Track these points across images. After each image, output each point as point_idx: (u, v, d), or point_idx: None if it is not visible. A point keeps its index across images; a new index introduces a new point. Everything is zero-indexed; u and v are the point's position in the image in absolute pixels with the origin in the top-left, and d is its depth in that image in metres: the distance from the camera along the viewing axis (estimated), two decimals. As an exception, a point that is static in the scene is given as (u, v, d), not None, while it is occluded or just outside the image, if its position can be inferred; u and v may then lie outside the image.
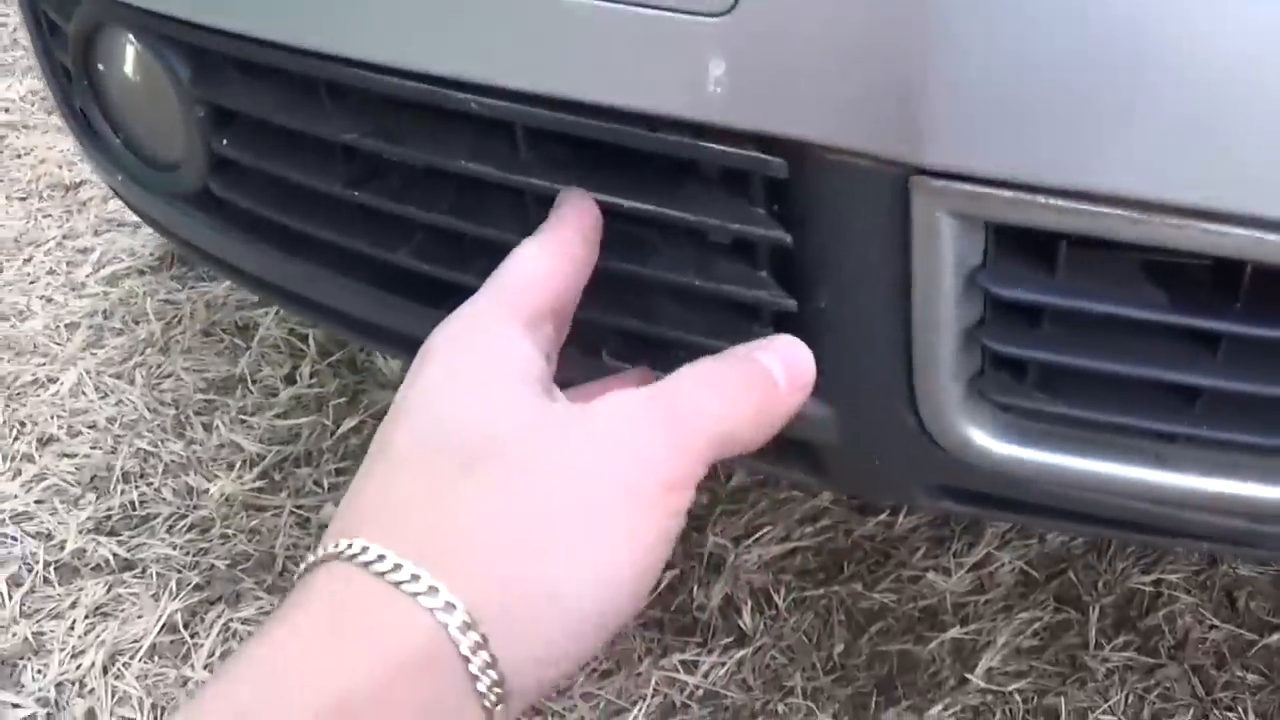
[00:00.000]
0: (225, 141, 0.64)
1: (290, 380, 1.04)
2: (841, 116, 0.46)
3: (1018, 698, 0.87)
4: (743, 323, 0.54)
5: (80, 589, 0.91)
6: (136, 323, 1.10)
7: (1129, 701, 0.89)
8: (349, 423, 1.00)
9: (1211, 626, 0.96)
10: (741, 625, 0.88)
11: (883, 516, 0.98)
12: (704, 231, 0.52)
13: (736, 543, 0.93)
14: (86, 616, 0.89)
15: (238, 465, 0.98)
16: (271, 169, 0.62)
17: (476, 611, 0.35)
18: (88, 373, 1.05)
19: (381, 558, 0.36)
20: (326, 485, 0.97)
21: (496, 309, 0.44)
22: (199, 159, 0.66)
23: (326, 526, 0.94)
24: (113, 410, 1.03)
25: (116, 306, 1.12)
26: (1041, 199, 0.46)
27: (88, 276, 1.15)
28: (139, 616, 0.89)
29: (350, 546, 0.37)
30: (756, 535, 0.94)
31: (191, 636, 0.88)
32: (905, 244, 0.48)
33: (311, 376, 1.04)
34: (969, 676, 0.87)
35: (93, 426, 1.02)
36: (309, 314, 0.71)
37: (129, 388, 1.04)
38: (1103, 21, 0.42)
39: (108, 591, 0.91)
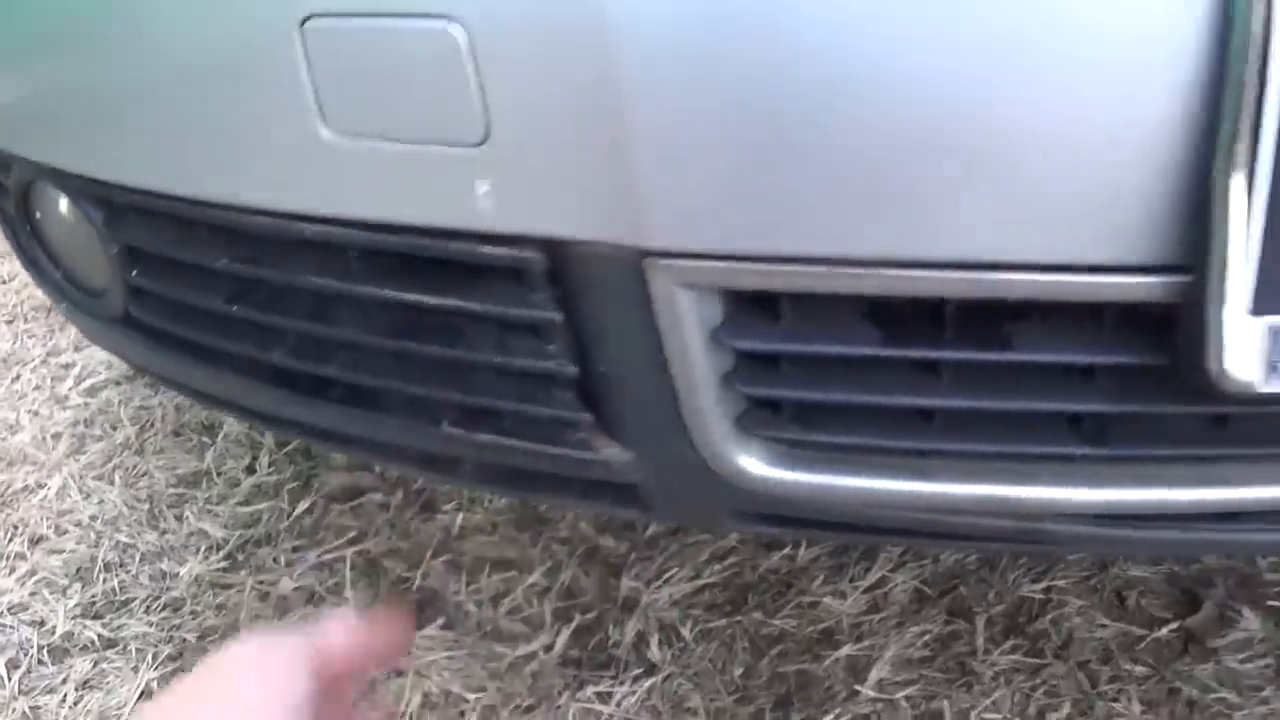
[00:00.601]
0: (135, 273, 0.76)
1: (250, 470, 1.16)
2: (583, 216, 0.57)
3: (905, 704, 0.95)
4: (543, 389, 0.64)
5: (70, 667, 1.02)
6: (114, 429, 1.23)
7: (1015, 700, 0.97)
8: (303, 505, 1.12)
9: (1100, 626, 1.04)
10: (651, 657, 0.97)
11: (785, 551, 1.07)
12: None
13: (649, 585, 1.03)
14: (76, 690, 1.00)
15: (205, 549, 1.09)
16: (172, 293, 0.75)
17: None
18: (72, 477, 1.17)
19: None
20: (284, 561, 1.08)
21: (290, 654, 0.49)
22: (119, 287, 0.79)
23: (284, 598, 1.04)
24: (95, 509, 1.15)
25: (96, 415, 1.25)
26: (750, 265, 0.57)
27: (70, 389, 1.28)
28: (121, 686, 1.00)
29: None
30: (667, 576, 1.04)
31: (166, 704, 0.98)
32: (652, 312, 0.59)
33: (270, 465, 1.16)
34: (859, 688, 0.95)
35: (78, 524, 1.14)
36: (216, 408, 0.83)
37: (109, 488, 1.17)
38: (768, 121, 0.53)
39: (93, 667, 1.02)
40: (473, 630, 1.00)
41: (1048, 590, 1.07)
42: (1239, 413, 0.62)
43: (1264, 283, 0.53)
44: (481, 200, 0.58)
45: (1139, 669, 1.00)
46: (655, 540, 1.07)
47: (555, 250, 0.59)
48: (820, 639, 1.00)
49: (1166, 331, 0.56)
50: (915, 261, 0.56)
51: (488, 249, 0.59)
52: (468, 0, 0.54)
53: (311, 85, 0.59)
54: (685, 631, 0.99)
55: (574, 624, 1.00)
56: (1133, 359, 0.59)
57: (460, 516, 1.09)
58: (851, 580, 1.04)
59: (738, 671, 0.97)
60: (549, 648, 0.98)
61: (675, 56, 0.52)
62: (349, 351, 0.69)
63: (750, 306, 0.60)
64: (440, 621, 1.00)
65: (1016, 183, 0.53)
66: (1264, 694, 0.98)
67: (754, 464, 0.64)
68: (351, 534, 1.09)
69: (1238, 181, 0.51)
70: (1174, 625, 1.04)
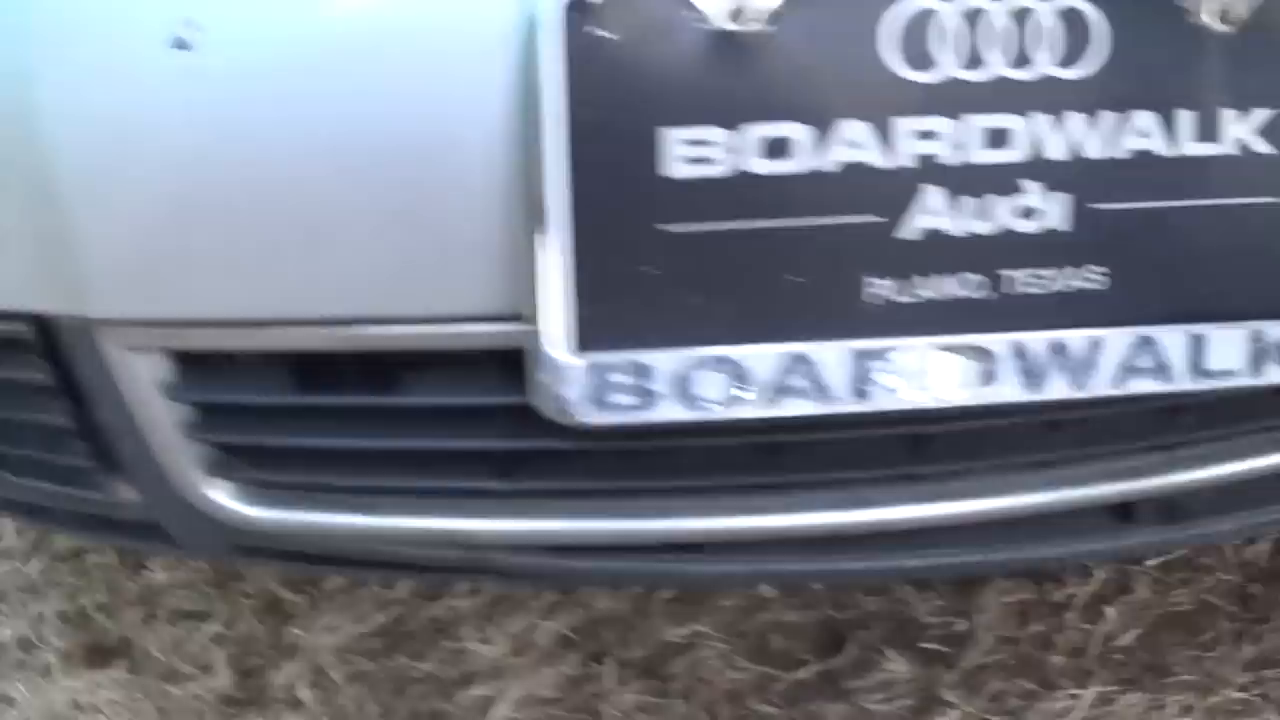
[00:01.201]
0: None
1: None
2: (48, 294, 0.71)
3: (524, 740, 1.05)
4: (58, 440, 0.77)
5: None
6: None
7: (630, 738, 1.07)
8: (35, 564, 1.25)
9: (739, 668, 1.13)
10: (300, 697, 1.09)
11: (448, 601, 1.19)
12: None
13: (314, 632, 1.15)
14: None
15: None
16: None
17: None
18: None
19: None
20: (9, 614, 1.21)
21: None
22: None
23: (2, 644, 1.16)
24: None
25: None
26: (175, 330, 0.71)
27: None
28: None
29: None
30: (332, 625, 1.15)
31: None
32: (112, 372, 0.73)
33: (16, 532, 1.30)
34: (480, 723, 1.06)
35: None
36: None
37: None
38: (163, 217, 0.67)
39: None
40: (151, 673, 1.12)
41: (692, 634, 1.16)
42: (648, 448, 0.74)
43: (582, 325, 0.66)
44: (-28, 285, 0.73)
45: (767, 709, 1.09)
46: (331, 594, 1.19)
47: (40, 323, 0.73)
48: (459, 681, 1.11)
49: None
50: (305, 320, 0.69)
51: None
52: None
53: None
54: (336, 675, 1.11)
55: (241, 668, 1.12)
56: (506, 399, 0.71)
57: (165, 574, 1.22)
58: (500, 627, 1.16)
59: (376, 710, 1.08)
60: (213, 689, 1.09)
61: (93, 168, 0.67)
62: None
63: (196, 363, 0.73)
64: (125, 665, 1.13)
65: (379, 249, 0.66)
66: (896, 734, 1.07)
67: (230, 503, 0.77)
68: (69, 589, 1.22)
69: (544, 240, 0.64)
70: (816, 667, 1.13)
